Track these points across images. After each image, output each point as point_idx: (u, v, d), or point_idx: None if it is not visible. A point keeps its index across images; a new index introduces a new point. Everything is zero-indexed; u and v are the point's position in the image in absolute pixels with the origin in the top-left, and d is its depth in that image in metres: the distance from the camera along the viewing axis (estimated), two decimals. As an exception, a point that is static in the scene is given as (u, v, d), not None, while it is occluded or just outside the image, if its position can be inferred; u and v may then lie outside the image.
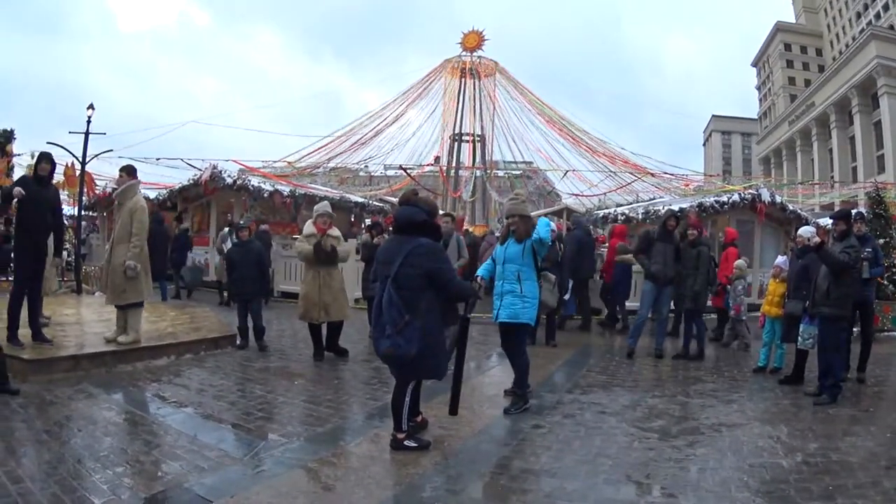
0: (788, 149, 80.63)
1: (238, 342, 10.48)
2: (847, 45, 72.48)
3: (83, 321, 11.23)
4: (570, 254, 12.99)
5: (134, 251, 8.88)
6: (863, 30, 68.70)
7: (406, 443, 5.74)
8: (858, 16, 77.03)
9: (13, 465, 5.09)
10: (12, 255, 7.80)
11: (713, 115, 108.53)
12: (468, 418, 6.89)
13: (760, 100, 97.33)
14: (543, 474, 5.35)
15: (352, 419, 6.94)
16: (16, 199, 8.24)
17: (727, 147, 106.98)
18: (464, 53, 42.18)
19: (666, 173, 36.76)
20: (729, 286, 11.89)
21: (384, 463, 5.54)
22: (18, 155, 13.82)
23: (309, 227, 9.80)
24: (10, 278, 8.57)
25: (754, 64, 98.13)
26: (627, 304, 14.46)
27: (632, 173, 36.39)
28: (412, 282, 5.56)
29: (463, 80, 42.32)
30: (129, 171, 9.39)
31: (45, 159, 8.81)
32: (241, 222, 11.78)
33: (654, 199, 27.18)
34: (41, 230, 8.68)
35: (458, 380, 6.40)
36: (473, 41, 41.89)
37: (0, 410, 6.52)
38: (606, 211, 22.03)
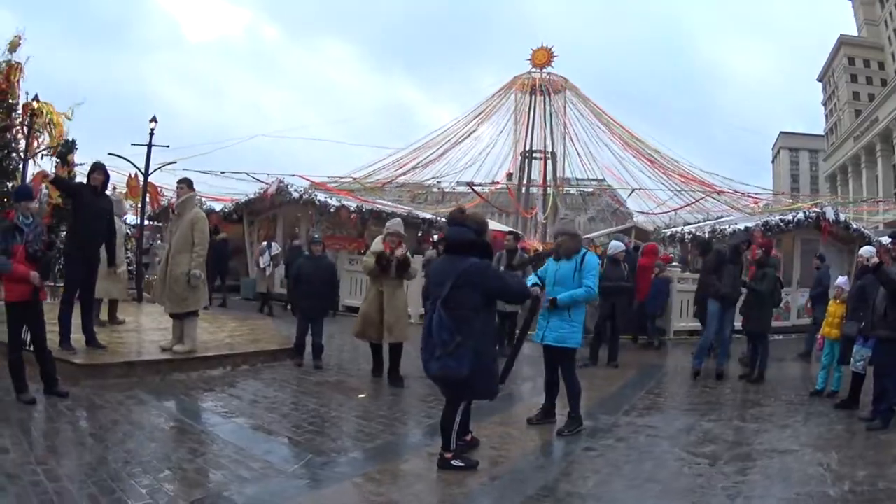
0: (854, 165, 78.01)
1: (294, 360, 10.17)
2: (908, 58, 70.30)
3: (141, 329, 11.42)
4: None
5: (199, 260, 9.00)
6: (922, 41, 66.83)
7: (453, 462, 5.61)
8: (917, 26, 74.60)
9: (54, 464, 5.13)
10: (62, 262, 7.90)
11: (781, 132, 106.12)
12: (519, 439, 6.81)
13: (826, 115, 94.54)
14: (589, 498, 5.20)
15: (403, 436, 6.88)
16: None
17: (795, 164, 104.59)
18: (533, 70, 42.11)
19: (734, 191, 36.19)
20: None
21: (430, 482, 5.43)
22: (80, 164, 14.07)
23: (377, 245, 9.40)
24: (56, 284, 8.74)
25: (820, 79, 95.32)
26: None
27: (699, 190, 35.87)
28: (465, 302, 5.48)
29: (533, 96, 42.21)
30: (188, 184, 9.58)
31: (98, 170, 9.01)
32: (316, 237, 11.69)
33: (720, 217, 26.68)
34: (94, 239, 8.85)
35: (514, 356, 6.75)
36: (542, 58, 41.72)
37: (47, 412, 6.64)
38: (675, 229, 21.57)
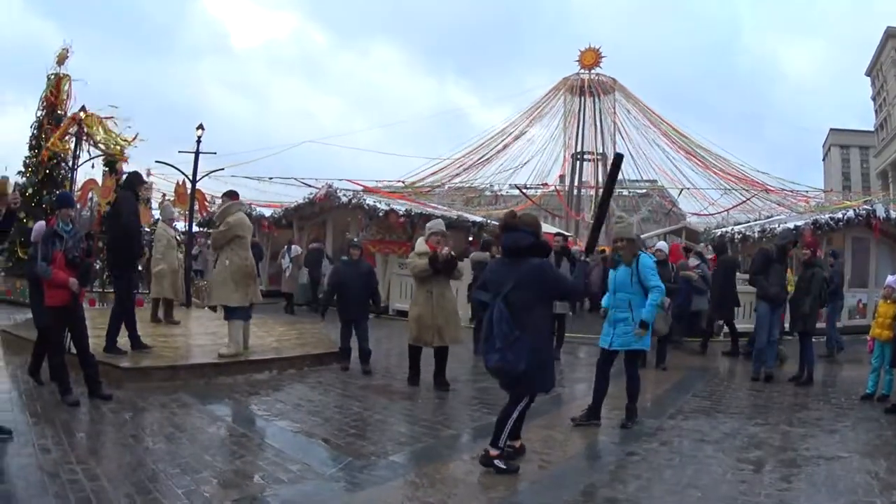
0: (903, 161, 76.10)
1: (340, 364, 10.13)
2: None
3: (189, 333, 11.54)
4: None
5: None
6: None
7: (496, 462, 5.56)
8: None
9: (93, 464, 5.22)
10: (111, 269, 8.13)
11: (831, 129, 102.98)
12: (562, 442, 6.71)
13: (876, 111, 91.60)
14: (626, 503, 5.09)
15: (445, 440, 6.79)
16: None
17: (846, 161, 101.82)
18: (582, 71, 41.94)
19: (784, 189, 35.67)
20: None
21: (469, 486, 5.36)
22: (126, 174, 14.32)
23: (421, 245, 9.21)
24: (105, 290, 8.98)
25: (868, 73, 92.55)
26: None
27: (747, 189, 35.42)
28: (524, 301, 5.55)
29: (582, 97, 42.07)
30: (228, 195, 9.88)
31: (145, 183, 9.34)
32: (355, 240, 11.69)
33: (770, 216, 26.20)
34: (139, 243, 9.16)
35: None
36: (591, 58, 41.62)
37: (90, 414, 6.76)
38: (724, 229, 21.19)
